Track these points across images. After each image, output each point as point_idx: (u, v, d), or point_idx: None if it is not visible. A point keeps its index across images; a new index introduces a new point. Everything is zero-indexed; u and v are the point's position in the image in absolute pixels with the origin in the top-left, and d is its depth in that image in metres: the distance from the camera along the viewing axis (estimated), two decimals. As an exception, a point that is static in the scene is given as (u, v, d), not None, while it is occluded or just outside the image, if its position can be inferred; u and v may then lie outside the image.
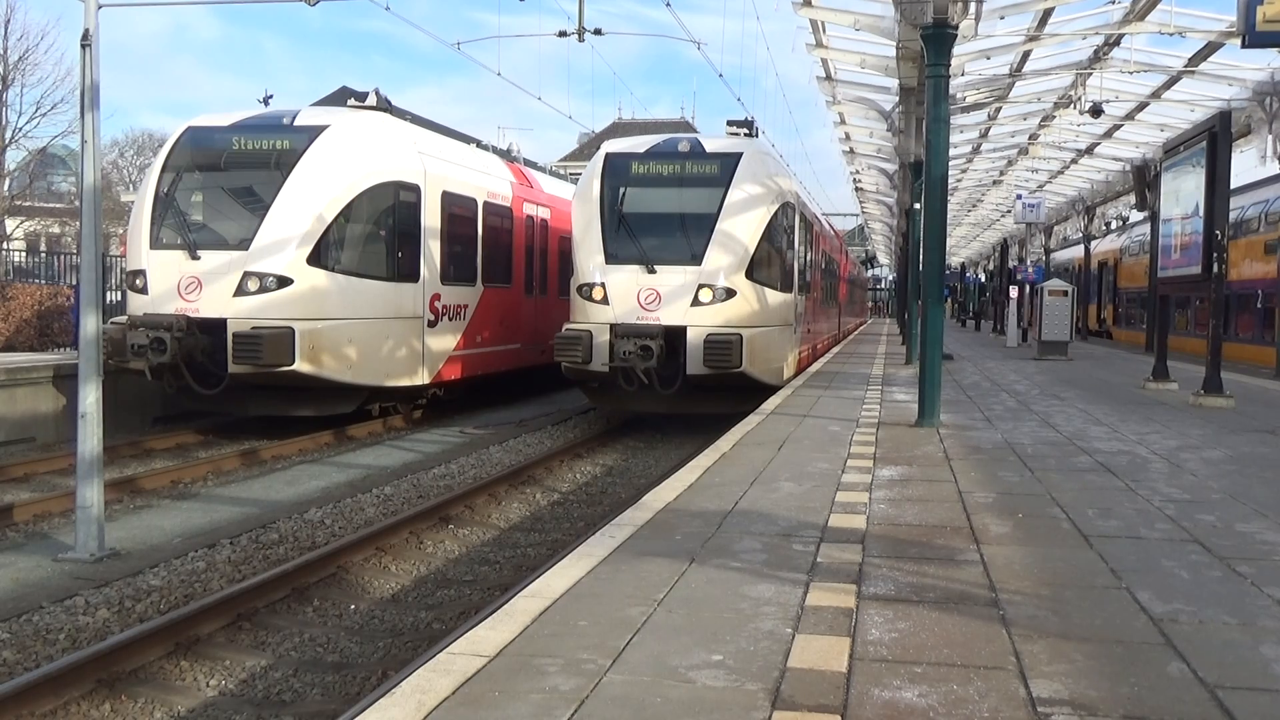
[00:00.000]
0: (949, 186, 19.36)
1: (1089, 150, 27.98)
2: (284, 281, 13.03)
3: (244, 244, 13.13)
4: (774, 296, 14.90)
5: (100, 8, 8.65)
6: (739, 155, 14.84)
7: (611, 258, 14.30)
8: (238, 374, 12.90)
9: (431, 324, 15.21)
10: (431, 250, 15.17)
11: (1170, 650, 3.86)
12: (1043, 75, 21.00)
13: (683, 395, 14.23)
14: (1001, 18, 15.75)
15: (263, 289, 12.97)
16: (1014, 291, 30.21)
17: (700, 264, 14.12)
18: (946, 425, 10.47)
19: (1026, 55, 19.33)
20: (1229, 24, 15.96)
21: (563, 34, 18.24)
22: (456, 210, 15.93)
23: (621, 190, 14.80)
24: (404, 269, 14.65)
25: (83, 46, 8.58)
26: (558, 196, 20.35)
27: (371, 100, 15.52)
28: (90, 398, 8.51)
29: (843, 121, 25.80)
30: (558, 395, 19.69)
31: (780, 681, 3.50)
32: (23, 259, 29.15)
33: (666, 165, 14.96)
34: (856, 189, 39.69)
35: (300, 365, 12.95)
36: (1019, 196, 30.36)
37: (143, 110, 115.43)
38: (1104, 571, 4.96)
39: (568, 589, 4.55)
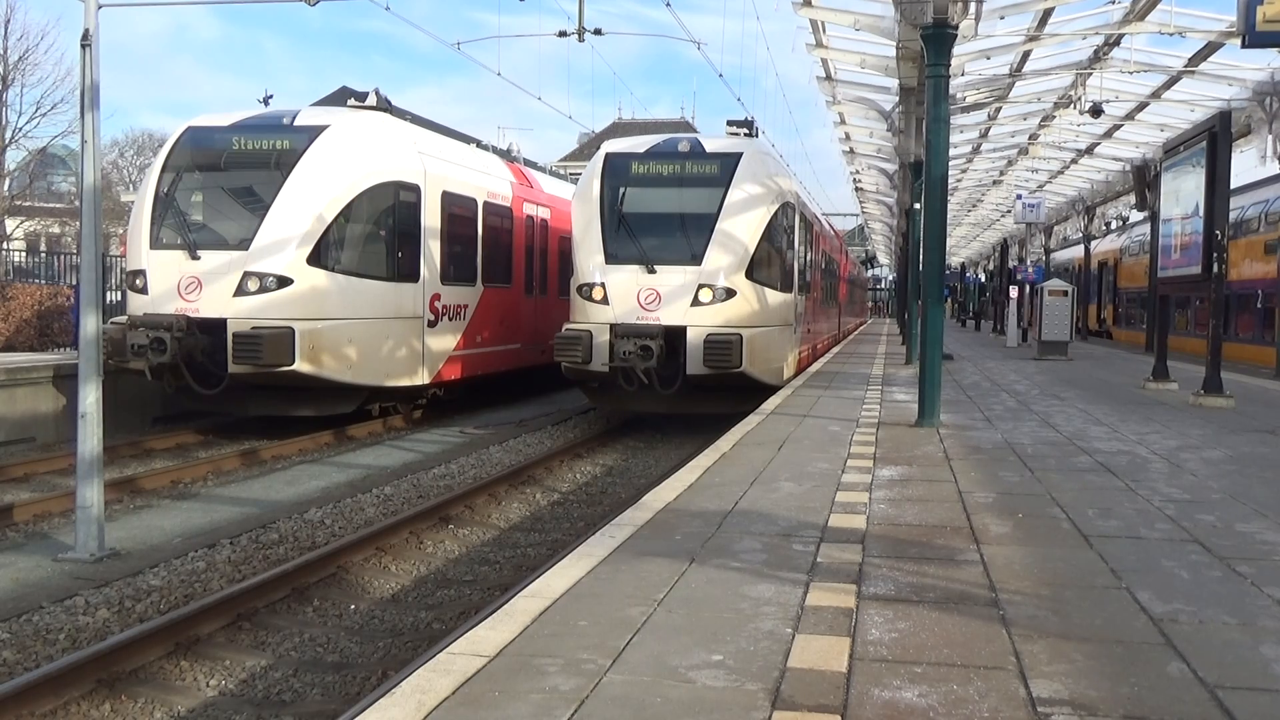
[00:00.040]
0: (949, 186, 19.37)
1: (1089, 150, 27.99)
2: (284, 281, 13.03)
3: (244, 244, 13.13)
4: (774, 296, 14.90)
5: (100, 8, 8.65)
6: (739, 155, 14.84)
7: (611, 258, 14.30)
8: (238, 374, 12.90)
9: (431, 324, 15.21)
10: (431, 250, 15.17)
11: (1170, 650, 3.86)
12: (1043, 75, 21.00)
13: (683, 395, 14.23)
14: (1001, 18, 15.75)
15: (263, 289, 12.97)
16: (1014, 291, 30.21)
17: (700, 264, 14.12)
18: (946, 425, 10.47)
19: (1026, 55, 19.33)
20: (1229, 24, 15.96)
21: (563, 34, 18.25)
22: (456, 210, 15.93)
23: (621, 190, 14.80)
24: (404, 269, 14.65)
25: (83, 46, 8.58)
26: (558, 196, 20.35)
27: (371, 100, 15.52)
28: (90, 398, 8.51)
29: (843, 121, 25.79)
30: (558, 395, 19.69)
31: (780, 681, 3.50)
32: (23, 259, 29.16)
33: (666, 165, 14.96)
34: (856, 189, 39.69)
35: (300, 365, 12.95)
36: (1019, 196, 30.35)
37: (143, 110, 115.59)
38: (1104, 571, 4.96)
39: (568, 589, 4.55)
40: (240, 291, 12.97)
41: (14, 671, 5.88)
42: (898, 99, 20.33)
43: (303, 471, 12.18)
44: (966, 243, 59.25)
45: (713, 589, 4.59)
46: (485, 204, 16.93)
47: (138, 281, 13.50)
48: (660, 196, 14.83)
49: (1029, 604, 4.41)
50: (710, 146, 15.24)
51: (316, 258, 13.33)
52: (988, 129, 26.09)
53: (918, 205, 19.58)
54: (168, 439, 13.77)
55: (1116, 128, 24.69)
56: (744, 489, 6.93)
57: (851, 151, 29.97)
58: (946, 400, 11.56)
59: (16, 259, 29.01)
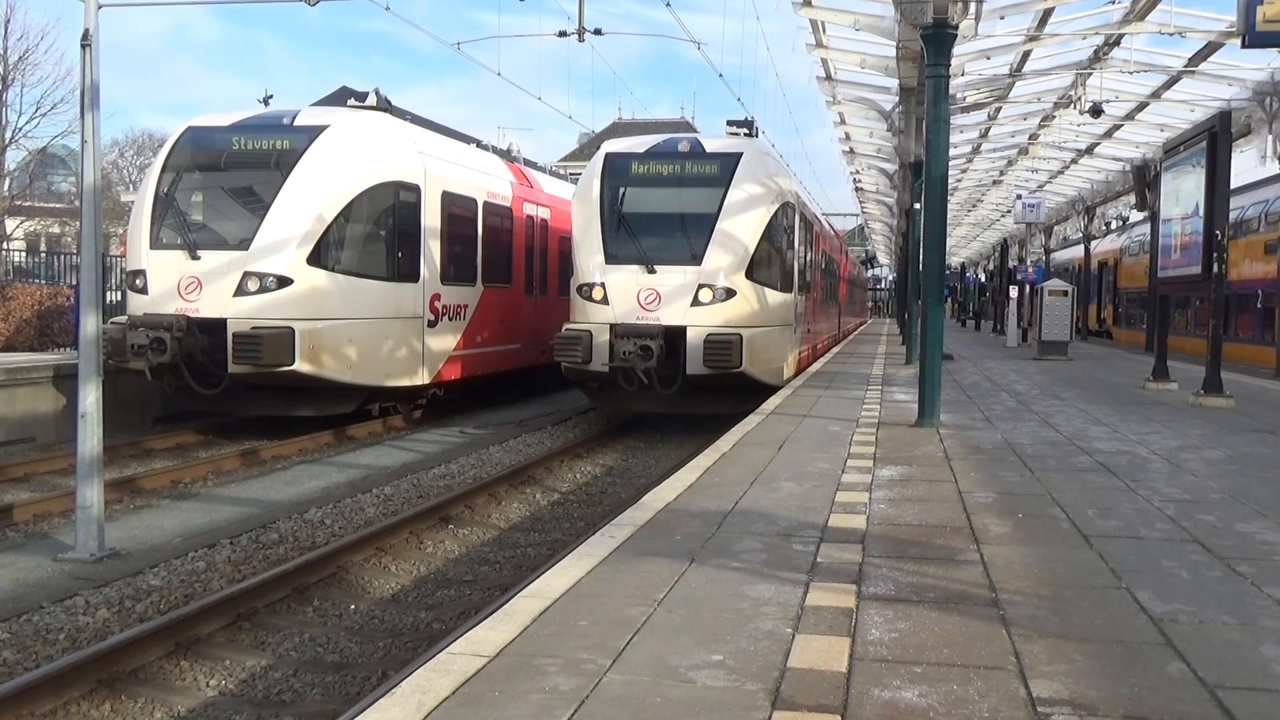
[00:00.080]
0: (949, 186, 19.37)
1: (1089, 150, 27.99)
2: (284, 281, 13.03)
3: (244, 244, 13.13)
4: (774, 296, 14.90)
5: (100, 8, 8.65)
6: (739, 155, 14.84)
7: (611, 258, 14.30)
8: (238, 374, 12.90)
9: (431, 324, 15.21)
10: (431, 250, 15.17)
11: (1170, 650, 3.86)
12: (1043, 75, 21.00)
13: (683, 395, 14.23)
14: (1001, 18, 15.75)
15: (263, 289, 12.97)
16: (1014, 291, 30.21)
17: (700, 264, 14.12)
18: (946, 425, 10.47)
19: (1026, 55, 19.33)
20: (1229, 24, 15.96)
21: (563, 34, 18.25)
22: (456, 210, 15.93)
23: (621, 190, 14.80)
24: (404, 269, 14.65)
25: (83, 46, 8.58)
26: (558, 196, 20.35)
27: (371, 100, 15.52)
28: (90, 398, 8.51)
29: (843, 121, 25.79)
30: (558, 395, 19.69)
31: (780, 681, 3.50)
32: (23, 259, 29.16)
33: (666, 165, 14.96)
34: (856, 189, 39.69)
35: (300, 365, 12.95)
36: (1019, 196, 30.36)
37: (143, 110, 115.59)
38: (1104, 571, 4.96)
39: (568, 589, 4.55)
40: (240, 291, 12.97)
41: (14, 671, 5.88)
42: (898, 99, 20.33)
43: (303, 471, 12.18)
44: (966, 243, 59.26)
45: (713, 589, 4.59)
46: (485, 204, 16.93)
47: (138, 281, 13.50)
48: (660, 196, 14.83)
49: (1029, 604, 4.41)
50: (710, 146, 15.24)
51: (316, 258, 13.33)
52: (988, 129, 26.09)
53: (918, 205, 19.58)
54: (168, 439, 13.77)
55: (1116, 128, 24.69)
56: (744, 489, 6.93)
57: (851, 151, 29.97)
58: (946, 400, 11.56)
59: (16, 259, 29.02)
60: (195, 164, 14.02)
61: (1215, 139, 11.96)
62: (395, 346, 14.49)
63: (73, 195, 44.23)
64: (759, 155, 15.38)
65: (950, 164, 23.73)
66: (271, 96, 15.41)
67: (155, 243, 13.50)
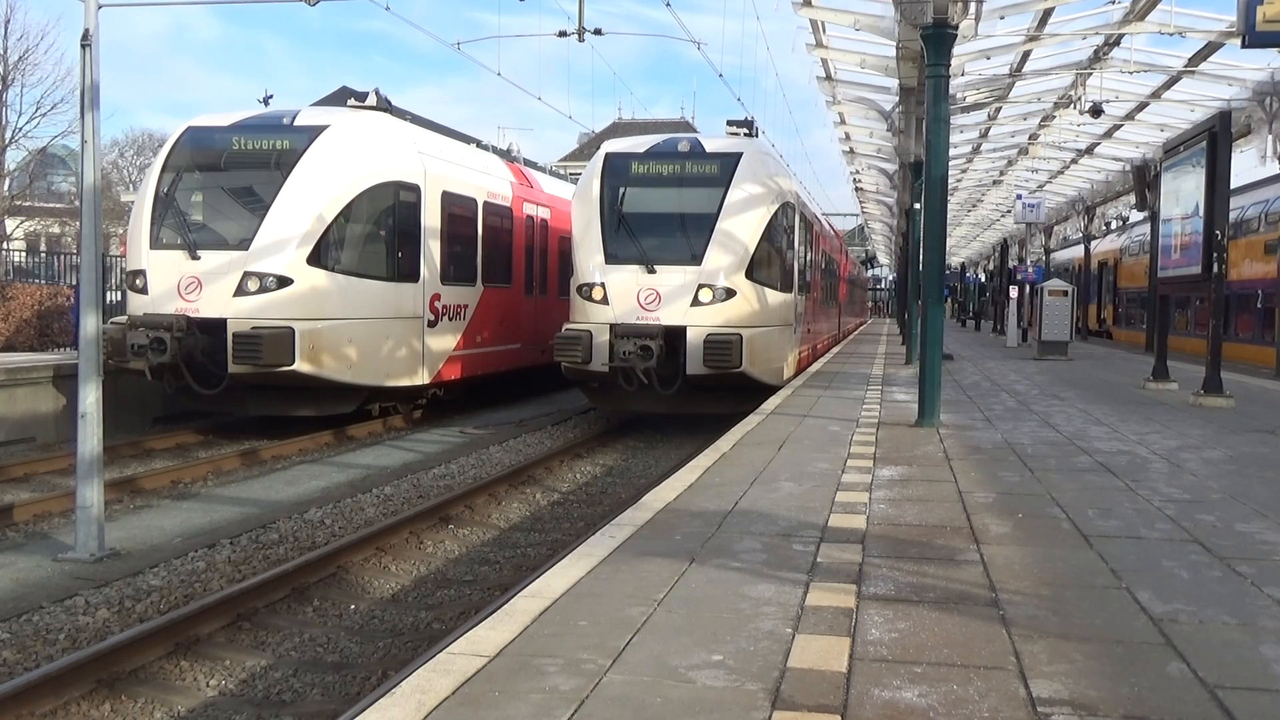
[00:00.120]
0: (949, 186, 19.36)
1: (1089, 150, 27.99)
2: (284, 281, 13.03)
3: (244, 244, 13.13)
4: (774, 296, 14.90)
5: (100, 8, 8.65)
6: (739, 155, 14.84)
7: (611, 258, 14.30)
8: (238, 374, 12.90)
9: (431, 324, 15.21)
10: (431, 250, 15.17)
11: (1170, 650, 3.86)
12: (1043, 75, 21.00)
13: (683, 395, 14.23)
14: (1001, 18, 15.75)
15: (263, 289, 12.97)
16: (1014, 291, 30.21)
17: (700, 264, 14.12)
18: (946, 425, 10.47)
19: (1026, 55, 19.33)
20: (1229, 24, 15.96)
21: (563, 34, 18.25)
22: (456, 210, 15.93)
23: (621, 190, 14.80)
24: (404, 269, 14.65)
25: (83, 46, 8.58)
26: (558, 196, 20.35)
27: (371, 100, 15.52)
28: (90, 398, 8.51)
29: (843, 121, 25.79)
30: (558, 395, 19.69)
31: (780, 681, 3.50)
32: (23, 259, 29.16)
33: (666, 165, 14.96)
34: (856, 189, 39.69)
35: (300, 365, 12.95)
36: (1019, 196, 30.35)
37: (143, 110, 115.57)
38: (1104, 571, 4.96)
39: (568, 589, 4.55)
40: (240, 291, 12.97)
41: (14, 671, 5.88)
42: (898, 99, 20.33)
43: (303, 471, 12.18)
44: (966, 243, 59.25)
45: (713, 589, 4.59)
46: (485, 204, 16.93)
47: (138, 281, 13.50)
48: (660, 196, 14.83)
49: (1029, 604, 4.41)
50: (710, 146, 15.24)
51: (316, 258, 13.33)
52: (988, 129, 26.08)
53: (918, 205, 19.58)
54: (168, 439, 13.77)
55: (1116, 128, 24.69)
56: (744, 489, 6.93)
57: (851, 151, 29.97)
58: (946, 400, 11.56)
59: (16, 259, 29.01)
60: (195, 164, 14.02)
61: (1215, 139, 11.96)
62: (395, 346, 14.49)
63: (73, 195, 44.23)
64: (759, 155, 15.38)
65: (950, 164, 23.73)
66: (271, 96, 15.43)
67: (155, 243, 13.50)
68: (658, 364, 13.62)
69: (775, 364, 14.91)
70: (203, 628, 6.45)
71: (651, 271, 14.09)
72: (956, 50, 12.65)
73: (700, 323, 13.88)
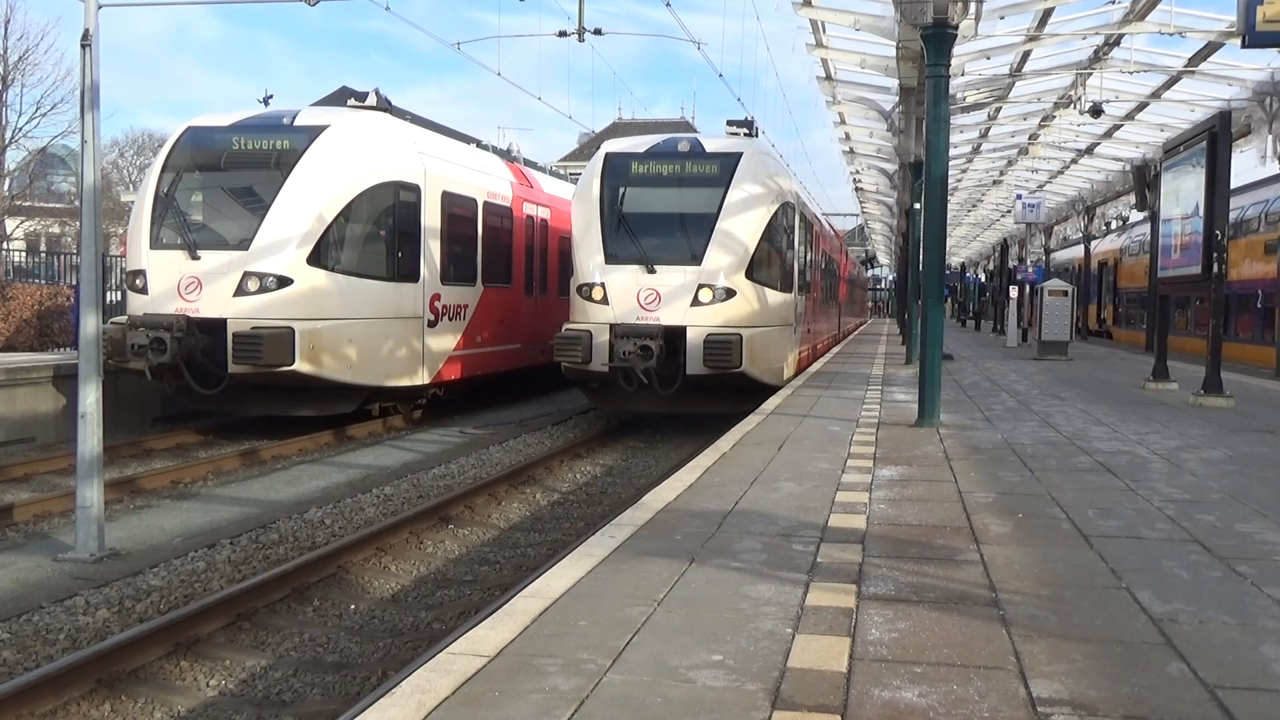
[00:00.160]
0: (949, 186, 19.36)
1: (1089, 150, 27.99)
2: (284, 281, 13.03)
3: (244, 244, 13.13)
4: (774, 296, 14.90)
5: (100, 8, 8.65)
6: (739, 155, 14.84)
7: (611, 258, 14.30)
8: (238, 374, 12.90)
9: (431, 324, 15.22)
10: (431, 250, 15.17)
11: (1170, 650, 3.86)
12: (1043, 75, 21.00)
13: (683, 395, 14.22)
14: (1001, 18, 15.75)
15: (263, 289, 12.97)
16: (1014, 291, 30.21)
17: (700, 264, 14.12)
18: (946, 425, 10.47)
19: (1026, 55, 19.32)
20: (1229, 24, 15.96)
21: (563, 34, 18.25)
22: (456, 210, 15.93)
23: (621, 190, 14.80)
24: (404, 269, 14.65)
25: (83, 46, 8.58)
26: (558, 196, 20.35)
27: (371, 100, 15.52)
28: (90, 398, 8.51)
29: (843, 121, 25.79)
30: (558, 395, 19.69)
31: (780, 681, 3.50)
32: (23, 259, 29.16)
33: (666, 165, 14.96)
34: (856, 189, 39.69)
35: (300, 365, 12.95)
36: (1019, 196, 30.36)
37: (143, 110, 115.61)
38: (1104, 571, 4.96)
39: (568, 589, 4.55)
40: (240, 291, 12.97)
41: (14, 671, 5.88)
42: (898, 99, 20.33)
43: (303, 471, 12.18)
44: (966, 243, 59.25)
45: (713, 589, 4.59)
46: (485, 204, 16.93)
47: (138, 281, 13.50)
48: (660, 196, 14.83)
49: (1029, 604, 4.41)
50: (710, 146, 15.23)
51: (316, 258, 13.33)
52: (988, 129, 26.08)
53: (918, 205, 19.58)
54: (168, 439, 13.77)
55: (1116, 128, 24.69)
56: (744, 489, 6.93)
57: (851, 151, 29.97)
58: (946, 400, 11.56)
59: (16, 259, 29.01)
60: (195, 164, 14.02)
61: (1215, 139, 11.96)
62: (395, 346, 14.49)
63: (73, 195, 44.24)
64: (759, 155, 15.38)
65: (950, 164, 23.73)
66: (271, 96, 15.43)
67: (155, 243, 13.50)
68: (658, 364, 13.62)
69: (775, 364, 14.91)
70: (203, 628, 6.45)
71: (651, 271, 14.09)
72: (956, 50, 12.65)
73: (700, 323, 13.88)
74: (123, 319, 13.44)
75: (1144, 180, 23.13)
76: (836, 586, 4.62)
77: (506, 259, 17.95)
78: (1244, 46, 11.65)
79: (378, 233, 14.42)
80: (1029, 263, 37.03)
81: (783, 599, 4.43)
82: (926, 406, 10.42)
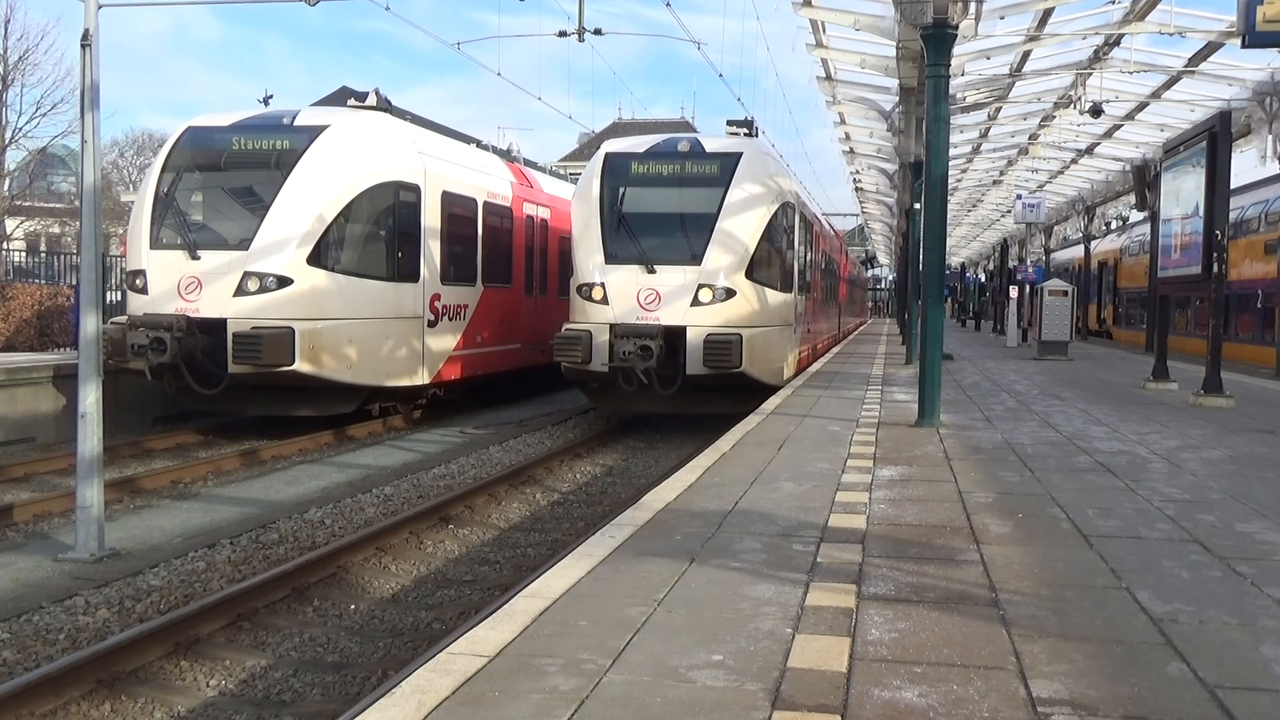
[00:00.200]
0: (949, 186, 19.36)
1: (1089, 150, 27.99)
2: (284, 281, 13.03)
3: (244, 244, 13.13)
4: (774, 296, 14.90)
5: (100, 8, 8.65)
6: (739, 155, 14.84)
7: (611, 257, 14.30)
8: (238, 374, 12.90)
9: (431, 324, 15.22)
10: (431, 250, 15.17)
11: (1170, 650, 3.86)
12: (1043, 75, 21.00)
13: (682, 395, 14.23)
14: (1001, 18, 15.75)
15: (263, 289, 12.98)
16: (1014, 291, 30.22)
17: (700, 264, 14.12)
18: (946, 425, 10.47)
19: (1026, 55, 19.33)
20: (1229, 24, 15.96)
21: (563, 34, 18.25)
22: (456, 210, 15.93)
23: (621, 190, 14.79)
24: (404, 269, 14.65)
25: (83, 46, 8.58)
26: (558, 196, 20.35)
27: (371, 100, 15.52)
28: (90, 398, 8.51)
29: (843, 121, 25.79)
30: (558, 395, 19.69)
31: (780, 681, 3.50)
32: (23, 259, 29.16)
33: (666, 165, 14.96)
34: (856, 189, 39.70)
35: (300, 365, 12.95)
36: (1019, 196, 30.36)
37: (143, 110, 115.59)
38: (1104, 571, 4.96)
39: (568, 589, 4.55)
40: (240, 291, 12.97)
41: (14, 671, 5.88)
42: (898, 99, 20.33)
43: (303, 471, 12.18)
44: (966, 243, 59.26)
45: (713, 589, 4.59)
46: (485, 204, 16.93)
47: (138, 281, 13.50)
48: (660, 196, 14.83)
49: (1029, 604, 4.41)
50: (710, 146, 15.23)
51: (316, 258, 13.33)
52: (988, 129, 26.09)
53: (918, 205, 19.58)
54: (168, 439, 13.77)
55: (1116, 128, 24.69)
56: (744, 489, 6.93)
57: (851, 151, 29.97)
58: (946, 400, 11.56)
59: (16, 259, 29.01)
60: (195, 164, 14.02)
61: (1215, 139, 11.96)
62: (395, 346, 14.49)
63: (73, 195, 44.24)
64: (759, 155, 15.38)
65: (950, 164, 23.73)
66: (271, 96, 15.43)
67: (155, 243, 13.50)
68: (657, 364, 13.62)
69: (775, 364, 14.91)
70: (203, 628, 6.45)
71: (651, 271, 14.09)
72: (956, 50, 12.65)
73: (700, 323, 13.88)
74: (123, 319, 13.44)
75: (1144, 180, 23.12)
76: (836, 586, 4.62)
77: (506, 259, 17.95)
78: (1244, 46, 11.66)
79: (378, 233, 14.42)
80: (1029, 263, 37.03)
81: (783, 599, 4.43)
82: (926, 406, 10.43)
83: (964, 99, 21.02)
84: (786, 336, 15.51)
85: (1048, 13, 17.01)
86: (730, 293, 14.07)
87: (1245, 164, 19.23)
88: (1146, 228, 26.75)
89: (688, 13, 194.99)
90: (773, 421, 10.70)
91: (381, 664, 6.23)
